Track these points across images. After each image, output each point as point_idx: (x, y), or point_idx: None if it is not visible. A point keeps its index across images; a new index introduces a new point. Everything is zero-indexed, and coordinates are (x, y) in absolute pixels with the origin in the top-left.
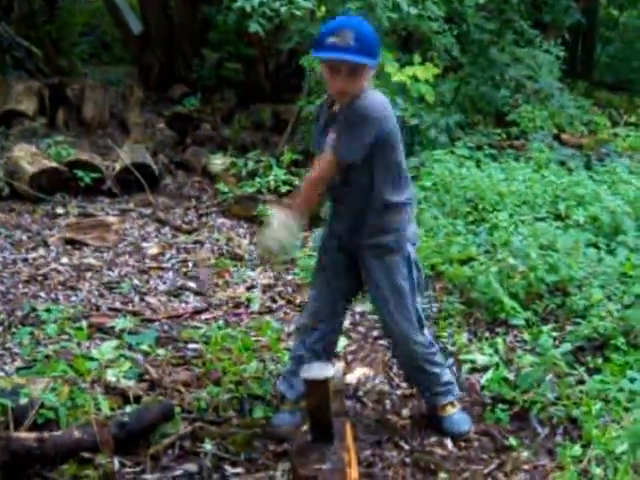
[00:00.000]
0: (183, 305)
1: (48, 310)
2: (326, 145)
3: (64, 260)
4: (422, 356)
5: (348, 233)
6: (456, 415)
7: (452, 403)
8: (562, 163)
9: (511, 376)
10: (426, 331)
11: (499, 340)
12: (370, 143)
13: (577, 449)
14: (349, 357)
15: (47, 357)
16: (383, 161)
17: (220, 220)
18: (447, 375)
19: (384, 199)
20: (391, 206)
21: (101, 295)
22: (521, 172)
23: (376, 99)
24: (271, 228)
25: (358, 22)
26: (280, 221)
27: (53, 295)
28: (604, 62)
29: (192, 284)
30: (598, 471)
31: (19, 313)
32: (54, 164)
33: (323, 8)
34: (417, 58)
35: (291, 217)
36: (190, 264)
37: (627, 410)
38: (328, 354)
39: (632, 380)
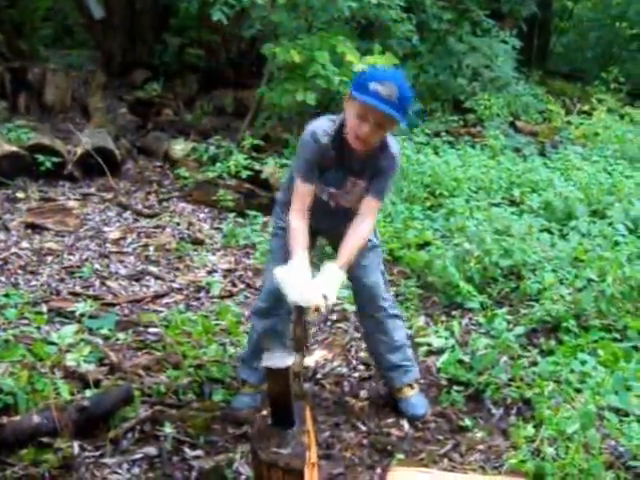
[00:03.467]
0: (144, 289)
1: (7, 295)
2: (354, 191)
3: (24, 244)
4: (387, 314)
5: (323, 223)
6: (413, 398)
7: (411, 385)
8: (517, 150)
9: (466, 358)
10: (391, 293)
11: (455, 323)
12: None
13: (530, 429)
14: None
15: (6, 342)
16: None
17: (181, 205)
18: (407, 350)
19: None
20: None
21: (61, 279)
22: (477, 159)
23: (396, 143)
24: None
25: (403, 79)
26: (337, 281)
27: (13, 279)
28: (559, 52)
29: (153, 268)
30: (550, 450)
31: None
32: (15, 148)
33: None
34: (377, 48)
35: (342, 273)
36: (151, 248)
37: (578, 391)
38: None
39: (583, 362)
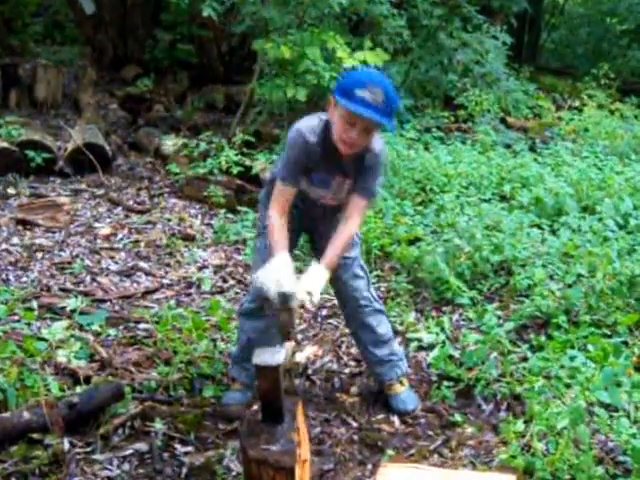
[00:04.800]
0: (134, 285)
1: None
2: (341, 190)
3: (15, 240)
4: (370, 310)
5: (308, 221)
6: (403, 394)
7: (400, 381)
8: (508, 146)
9: (456, 354)
10: (373, 291)
11: (445, 319)
12: None
13: (520, 424)
14: (299, 336)
15: None
16: None
17: (172, 201)
18: (393, 344)
19: None
20: None
21: (52, 276)
22: (468, 154)
23: (379, 138)
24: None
25: (387, 82)
26: (322, 279)
27: (4, 276)
28: (549, 48)
29: (144, 264)
30: (540, 446)
31: None
32: (5, 144)
33: None
34: (368, 43)
35: (326, 272)
36: (142, 244)
37: (568, 386)
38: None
39: (572, 358)
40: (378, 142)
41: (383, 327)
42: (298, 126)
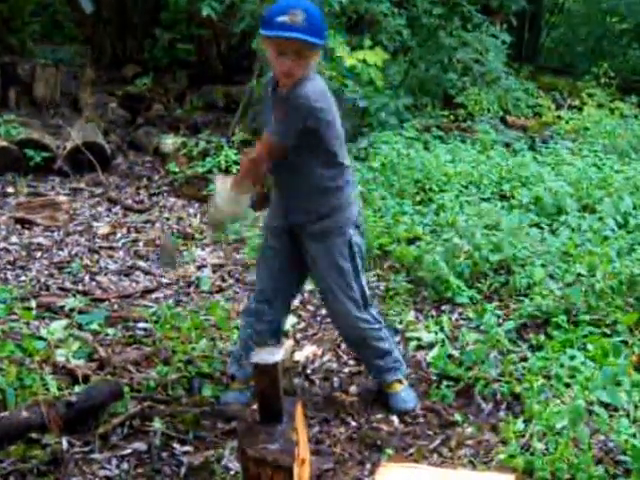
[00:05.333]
0: (133, 284)
1: None
2: (268, 126)
3: (14, 239)
4: (366, 332)
5: (290, 214)
6: (403, 393)
7: (399, 380)
8: (507, 145)
9: (456, 353)
10: (372, 309)
11: (444, 318)
12: (300, 130)
13: (520, 424)
14: (298, 335)
15: None
16: (318, 149)
17: (171, 200)
18: (395, 352)
19: (319, 184)
20: (327, 191)
21: (51, 275)
22: (467, 153)
23: (317, 88)
24: (216, 201)
25: (307, 3)
26: (224, 194)
27: (2, 275)
28: (549, 47)
29: (142, 263)
30: (540, 445)
31: None
32: (4, 143)
33: None
34: (367, 42)
35: (233, 191)
36: (141, 243)
37: (567, 386)
38: (277, 337)
39: (572, 357)
40: (309, 86)
41: (383, 342)
42: None
